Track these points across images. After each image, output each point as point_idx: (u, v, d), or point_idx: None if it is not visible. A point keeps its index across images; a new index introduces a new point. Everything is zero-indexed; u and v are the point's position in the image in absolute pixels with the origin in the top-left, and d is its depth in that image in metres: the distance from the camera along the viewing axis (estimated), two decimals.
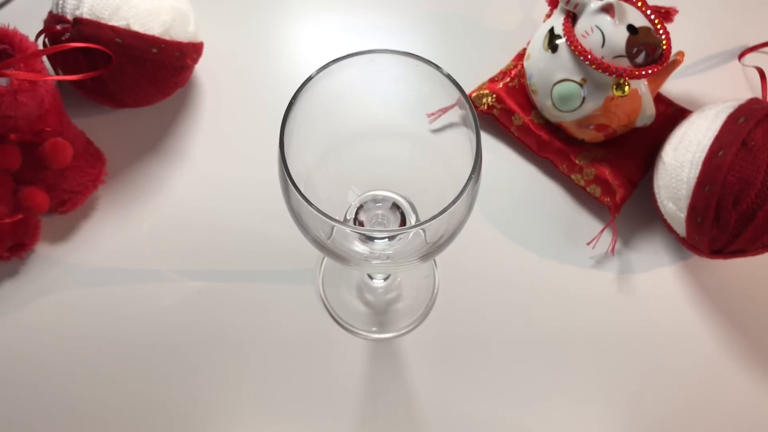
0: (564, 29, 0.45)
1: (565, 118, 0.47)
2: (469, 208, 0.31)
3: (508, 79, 0.50)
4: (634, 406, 0.43)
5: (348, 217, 0.38)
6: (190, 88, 0.53)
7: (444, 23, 0.56)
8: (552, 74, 0.46)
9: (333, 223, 0.28)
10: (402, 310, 0.45)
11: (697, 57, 0.54)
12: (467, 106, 0.31)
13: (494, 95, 0.50)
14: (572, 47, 0.44)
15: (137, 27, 0.45)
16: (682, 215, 0.43)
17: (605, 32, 0.43)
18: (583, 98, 0.45)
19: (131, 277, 0.46)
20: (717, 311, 0.45)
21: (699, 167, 0.41)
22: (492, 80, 0.51)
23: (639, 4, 0.45)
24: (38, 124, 0.44)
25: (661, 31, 0.44)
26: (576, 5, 0.45)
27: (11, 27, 0.43)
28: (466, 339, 0.44)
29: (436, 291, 0.46)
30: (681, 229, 0.44)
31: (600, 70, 0.43)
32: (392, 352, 0.44)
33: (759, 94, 0.51)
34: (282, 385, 0.43)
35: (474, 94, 0.51)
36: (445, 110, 0.33)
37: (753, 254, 0.42)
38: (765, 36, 0.54)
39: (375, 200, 0.39)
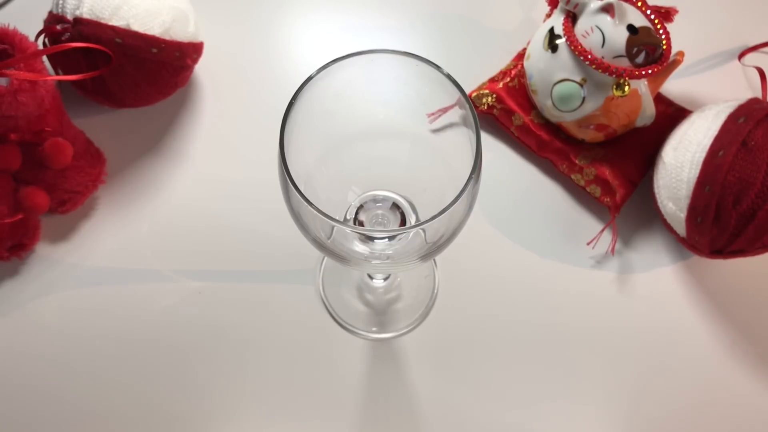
0: (564, 29, 0.45)
1: (565, 118, 0.47)
2: (469, 208, 0.31)
3: (508, 79, 0.50)
4: (634, 406, 0.43)
5: (348, 217, 0.38)
6: (190, 88, 0.53)
7: (444, 23, 0.56)
8: (552, 74, 0.46)
9: (333, 223, 0.28)
10: (402, 310, 0.45)
11: (697, 57, 0.54)
12: (467, 106, 0.30)
13: (494, 95, 0.50)
14: (572, 47, 0.44)
15: (137, 27, 0.45)
16: (682, 215, 0.43)
17: (605, 32, 0.43)
18: (583, 98, 0.45)
19: (131, 277, 0.46)
20: (717, 311, 0.45)
21: (699, 167, 0.41)
22: (492, 80, 0.51)
23: (639, 4, 0.45)
24: (38, 124, 0.44)
25: (661, 31, 0.44)
26: (576, 5, 0.45)
27: (11, 27, 0.43)
28: (466, 339, 0.44)
29: (436, 291, 0.46)
30: (681, 229, 0.44)
31: (600, 70, 0.43)
32: (392, 352, 0.44)
33: (759, 94, 0.51)
34: (282, 384, 0.43)
35: (474, 94, 0.51)
36: (445, 110, 0.33)
37: (753, 254, 0.42)
38: (765, 36, 0.54)
39: (375, 200, 0.39)
